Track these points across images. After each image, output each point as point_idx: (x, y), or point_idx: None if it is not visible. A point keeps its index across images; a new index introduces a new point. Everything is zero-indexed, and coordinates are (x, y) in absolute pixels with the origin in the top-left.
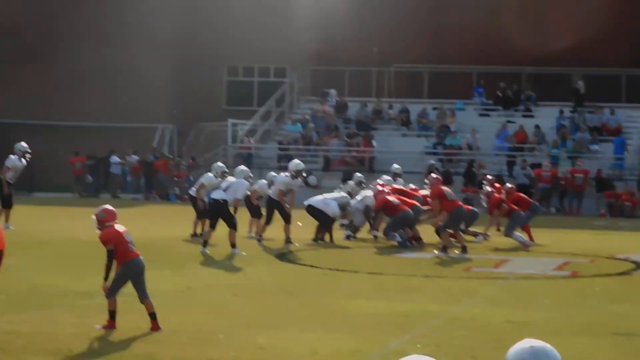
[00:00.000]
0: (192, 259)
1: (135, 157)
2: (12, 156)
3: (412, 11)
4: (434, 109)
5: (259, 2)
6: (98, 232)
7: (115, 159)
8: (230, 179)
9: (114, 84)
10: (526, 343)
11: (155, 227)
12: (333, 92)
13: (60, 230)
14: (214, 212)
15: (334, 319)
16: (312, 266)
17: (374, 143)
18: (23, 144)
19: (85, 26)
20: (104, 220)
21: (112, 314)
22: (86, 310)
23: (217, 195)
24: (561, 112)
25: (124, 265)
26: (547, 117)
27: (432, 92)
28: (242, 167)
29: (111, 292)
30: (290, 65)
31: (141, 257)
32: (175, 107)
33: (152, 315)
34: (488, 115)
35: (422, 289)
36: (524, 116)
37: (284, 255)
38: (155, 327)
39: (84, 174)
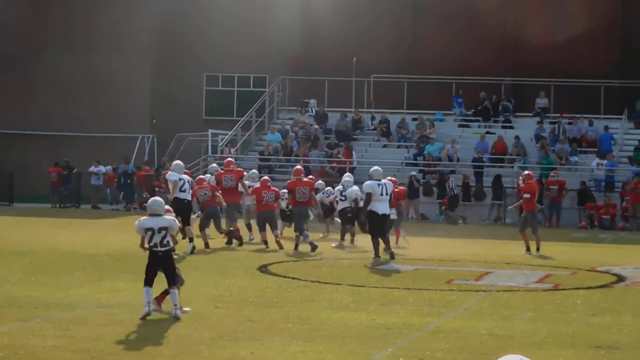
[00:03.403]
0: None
1: (110, 167)
2: None
3: (391, 21)
4: (414, 119)
5: (239, 11)
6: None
7: (94, 169)
8: None
9: (95, 93)
10: (510, 358)
11: (137, 237)
12: (313, 101)
13: (39, 241)
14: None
15: (316, 331)
16: (293, 278)
17: (354, 153)
18: None
19: (65, 33)
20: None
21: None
22: (67, 322)
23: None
24: (539, 122)
25: None
26: (526, 128)
27: (411, 103)
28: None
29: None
30: (270, 75)
31: None
32: (156, 116)
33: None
34: (468, 126)
35: (404, 301)
36: (503, 127)
37: (265, 267)
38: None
39: (60, 185)
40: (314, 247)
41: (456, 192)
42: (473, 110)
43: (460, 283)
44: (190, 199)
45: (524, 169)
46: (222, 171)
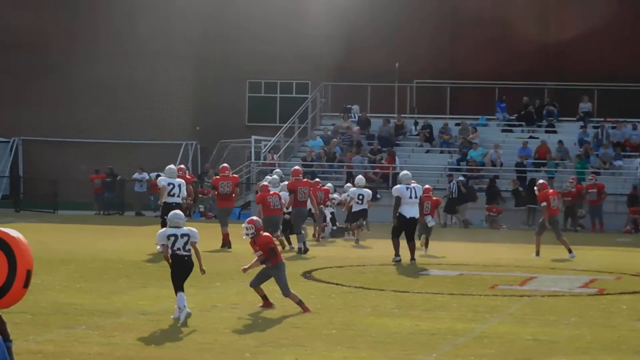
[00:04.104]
0: (217, 277)
1: (154, 174)
2: None
3: (434, 26)
4: (456, 124)
5: (281, 18)
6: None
7: (138, 176)
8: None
9: (138, 100)
10: None
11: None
12: (355, 107)
13: (83, 248)
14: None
15: (360, 337)
16: (337, 284)
17: (397, 159)
18: None
19: (108, 41)
20: (259, 229)
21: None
22: (112, 329)
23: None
24: (582, 127)
25: (274, 266)
26: (569, 132)
27: (454, 108)
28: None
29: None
30: (313, 81)
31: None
32: (199, 123)
33: (300, 303)
34: (511, 131)
35: (448, 307)
36: (547, 132)
37: (309, 273)
38: (305, 309)
39: (103, 192)
40: (305, 250)
41: (455, 196)
42: (516, 115)
43: (505, 288)
44: (180, 202)
45: (562, 174)
46: (218, 177)
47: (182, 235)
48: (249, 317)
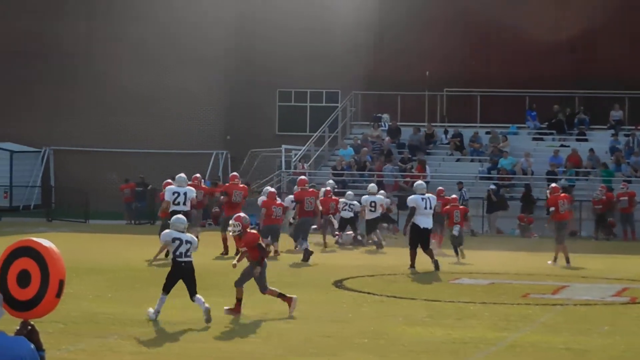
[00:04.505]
0: (247, 285)
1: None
2: None
3: (464, 35)
4: (487, 133)
5: (310, 27)
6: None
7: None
8: None
9: (168, 110)
10: None
11: (211, 253)
12: (386, 116)
13: (114, 257)
14: None
15: (392, 346)
16: (369, 293)
17: (427, 168)
18: None
19: (139, 50)
20: (246, 227)
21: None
22: (144, 338)
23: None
24: (613, 135)
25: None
26: (600, 140)
27: (484, 116)
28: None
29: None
30: (342, 90)
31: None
32: (229, 132)
33: (281, 295)
34: (542, 139)
35: (480, 316)
36: (578, 140)
37: (341, 282)
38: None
39: (133, 201)
40: (307, 257)
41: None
42: (547, 123)
43: (537, 297)
44: (188, 209)
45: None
46: (229, 184)
47: (187, 242)
48: (279, 326)
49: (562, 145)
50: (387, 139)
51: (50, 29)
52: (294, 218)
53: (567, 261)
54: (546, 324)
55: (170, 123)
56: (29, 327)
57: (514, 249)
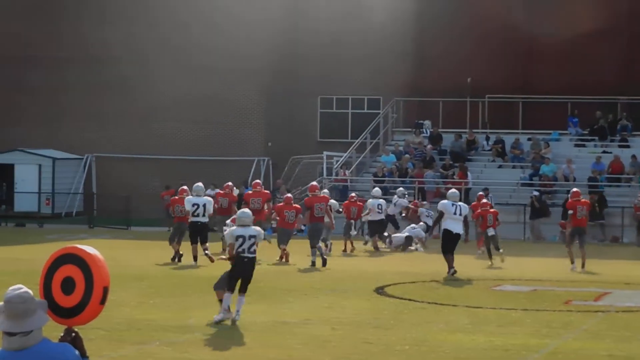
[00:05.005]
0: (289, 293)
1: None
2: None
3: (506, 41)
4: (528, 139)
5: (351, 35)
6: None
7: (210, 192)
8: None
9: (210, 116)
10: None
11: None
12: (427, 123)
13: (156, 264)
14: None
15: (433, 353)
16: (410, 300)
17: (469, 174)
18: None
19: (180, 57)
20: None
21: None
22: (185, 345)
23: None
24: None
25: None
26: None
27: (526, 123)
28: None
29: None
30: (384, 97)
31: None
32: (271, 139)
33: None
34: (584, 146)
35: (522, 323)
36: (620, 146)
37: (382, 289)
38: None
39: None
40: (323, 261)
41: None
42: (589, 130)
43: (579, 304)
44: (205, 221)
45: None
46: (250, 192)
47: (250, 237)
48: (321, 332)
49: (604, 152)
50: (429, 145)
51: (93, 35)
52: (304, 225)
53: (583, 265)
54: (588, 331)
55: (211, 129)
56: (73, 334)
57: (556, 256)
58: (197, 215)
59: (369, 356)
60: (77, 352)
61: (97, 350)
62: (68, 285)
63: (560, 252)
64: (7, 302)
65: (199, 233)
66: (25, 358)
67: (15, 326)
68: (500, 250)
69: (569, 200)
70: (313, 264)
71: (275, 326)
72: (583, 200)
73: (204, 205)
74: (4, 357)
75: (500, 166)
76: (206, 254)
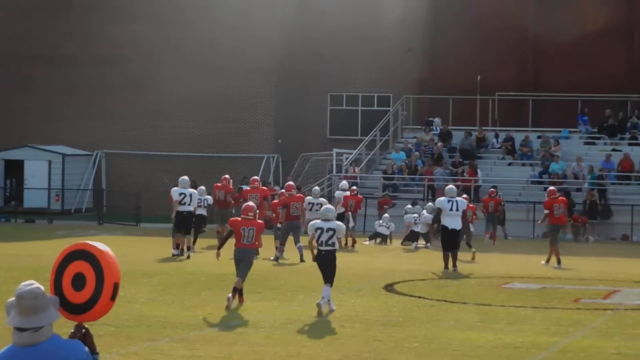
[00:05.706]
0: (300, 290)
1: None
2: None
3: (515, 39)
4: (538, 137)
5: (362, 31)
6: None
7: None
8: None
9: (220, 113)
10: None
11: (262, 255)
12: (437, 120)
13: (166, 261)
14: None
15: (443, 350)
16: (419, 297)
17: (479, 172)
18: None
19: (190, 55)
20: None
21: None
22: (195, 341)
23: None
24: None
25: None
26: None
27: (535, 121)
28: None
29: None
30: (394, 94)
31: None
32: (280, 136)
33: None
34: (593, 144)
35: (531, 321)
36: (630, 144)
37: (391, 286)
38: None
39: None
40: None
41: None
42: (598, 128)
43: (588, 302)
44: (191, 210)
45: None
46: (248, 189)
47: (328, 230)
48: (331, 329)
49: (614, 150)
50: (439, 143)
51: (102, 33)
52: (280, 222)
53: (558, 262)
54: (598, 329)
55: (221, 127)
56: (84, 330)
57: (566, 254)
58: (185, 204)
59: (379, 353)
60: (87, 348)
61: (106, 347)
62: (78, 282)
63: (569, 251)
64: (19, 297)
65: (184, 222)
66: (35, 354)
67: (26, 322)
68: (473, 250)
69: (546, 199)
70: (276, 259)
71: (284, 323)
72: (560, 198)
73: (190, 195)
74: (14, 352)
75: (509, 164)
76: (188, 253)
